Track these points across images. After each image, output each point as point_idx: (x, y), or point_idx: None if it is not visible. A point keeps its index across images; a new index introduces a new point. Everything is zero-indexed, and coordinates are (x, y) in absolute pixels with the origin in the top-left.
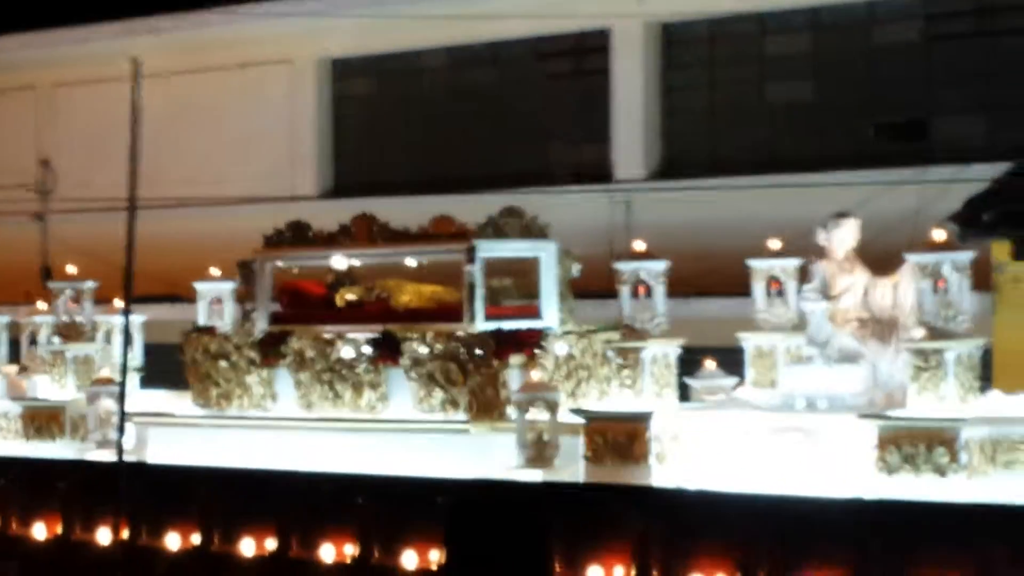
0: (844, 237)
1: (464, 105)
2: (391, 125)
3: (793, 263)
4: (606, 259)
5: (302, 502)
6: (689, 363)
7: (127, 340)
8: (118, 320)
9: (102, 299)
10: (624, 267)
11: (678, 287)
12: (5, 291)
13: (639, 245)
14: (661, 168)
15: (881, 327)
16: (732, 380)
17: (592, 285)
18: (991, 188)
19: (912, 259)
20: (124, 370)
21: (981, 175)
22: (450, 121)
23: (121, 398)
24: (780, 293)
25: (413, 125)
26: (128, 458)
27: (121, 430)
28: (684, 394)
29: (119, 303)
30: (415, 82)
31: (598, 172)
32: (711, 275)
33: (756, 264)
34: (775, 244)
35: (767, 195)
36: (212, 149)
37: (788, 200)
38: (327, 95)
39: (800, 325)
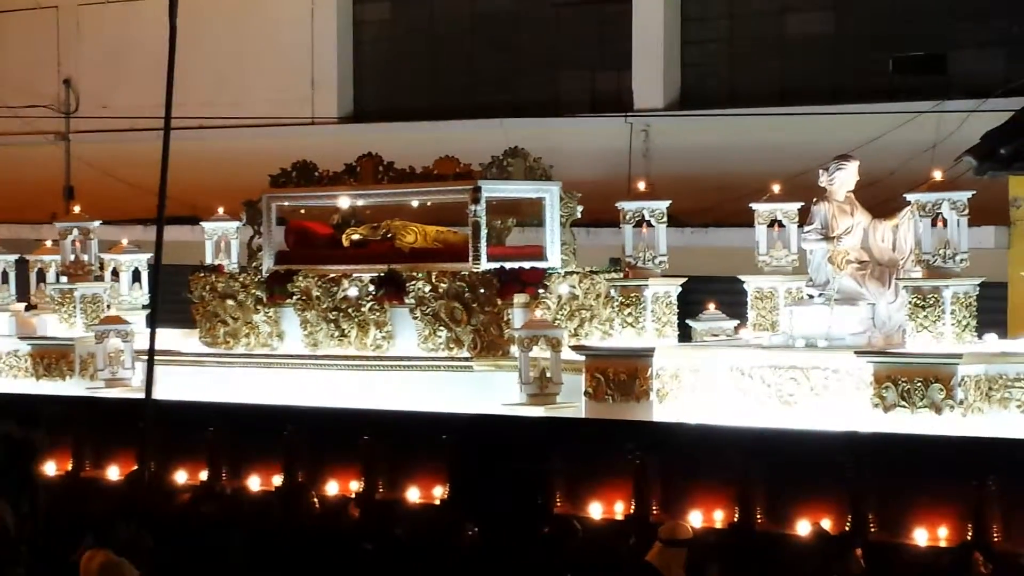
0: (844, 179)
1: (481, 32)
2: (408, 51)
3: (794, 207)
4: (624, 189)
5: (308, 439)
6: (708, 293)
7: (158, 264)
8: (125, 259)
9: (122, 220)
10: (626, 206)
11: (697, 217)
12: (31, 211)
13: (641, 185)
14: (679, 98)
15: (881, 269)
16: (733, 322)
17: (609, 214)
18: (1009, 122)
19: (911, 198)
20: (155, 300)
21: (999, 109)
22: (467, 48)
23: (152, 334)
24: (781, 236)
25: (430, 52)
26: (138, 396)
27: (151, 365)
28: (687, 333)
29: (126, 242)
30: (430, 8)
31: (615, 101)
32: (730, 204)
33: (758, 207)
34: (776, 187)
35: (786, 126)
36: (231, 71)
37: (807, 131)
38: (347, 18)
39: (801, 268)
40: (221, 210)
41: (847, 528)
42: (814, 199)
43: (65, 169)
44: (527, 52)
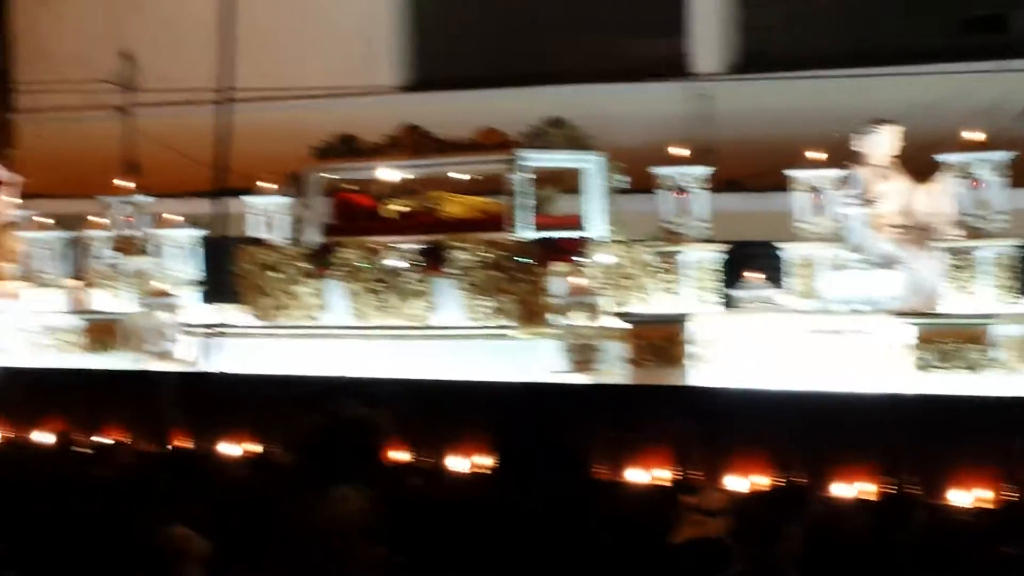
0: (883, 143)
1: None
2: (467, 19)
3: (833, 173)
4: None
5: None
6: (766, 257)
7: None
8: (176, 234)
9: (185, 192)
10: (662, 171)
11: (760, 180)
12: (91, 186)
13: (677, 149)
14: (740, 61)
15: (919, 232)
16: (775, 290)
17: None
18: None
19: (947, 159)
20: (210, 273)
21: None
22: (526, 15)
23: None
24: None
25: (489, 19)
26: (186, 369)
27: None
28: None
29: (175, 217)
30: None
31: (675, 66)
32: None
33: (796, 174)
34: (814, 154)
35: (851, 88)
36: (290, 42)
37: (870, 93)
38: None
39: (840, 235)
40: (267, 184)
41: (889, 490)
42: (852, 164)
43: (126, 143)
44: (585, 18)
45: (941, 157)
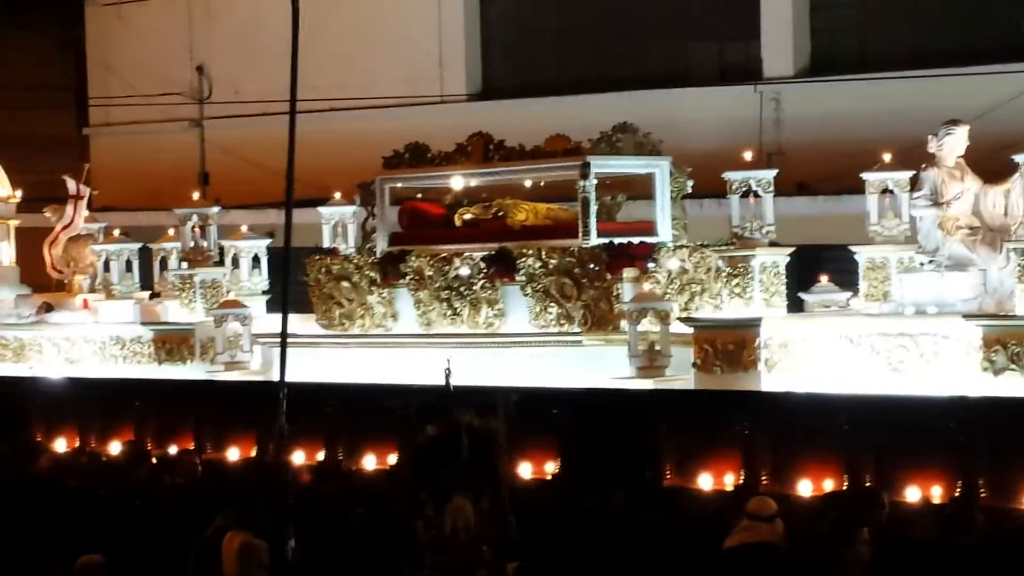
0: (953, 144)
1: (607, 5)
2: (535, 26)
3: (905, 175)
4: (754, 159)
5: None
6: (837, 261)
7: (288, 250)
8: (244, 244)
9: (255, 204)
10: (732, 176)
11: (829, 183)
12: (167, 198)
13: (747, 155)
14: (810, 65)
15: (992, 234)
16: (845, 294)
17: None
18: None
19: (1019, 159)
20: (285, 286)
21: None
22: (593, 21)
23: (284, 315)
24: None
25: (557, 26)
26: (257, 378)
27: (283, 348)
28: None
29: (245, 228)
30: None
31: (744, 70)
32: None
33: (869, 177)
34: (887, 156)
35: (919, 89)
36: (360, 53)
37: (940, 94)
38: None
39: (912, 238)
40: (338, 195)
41: (958, 493)
42: (923, 165)
43: (200, 155)
44: (654, 24)
45: (1016, 157)
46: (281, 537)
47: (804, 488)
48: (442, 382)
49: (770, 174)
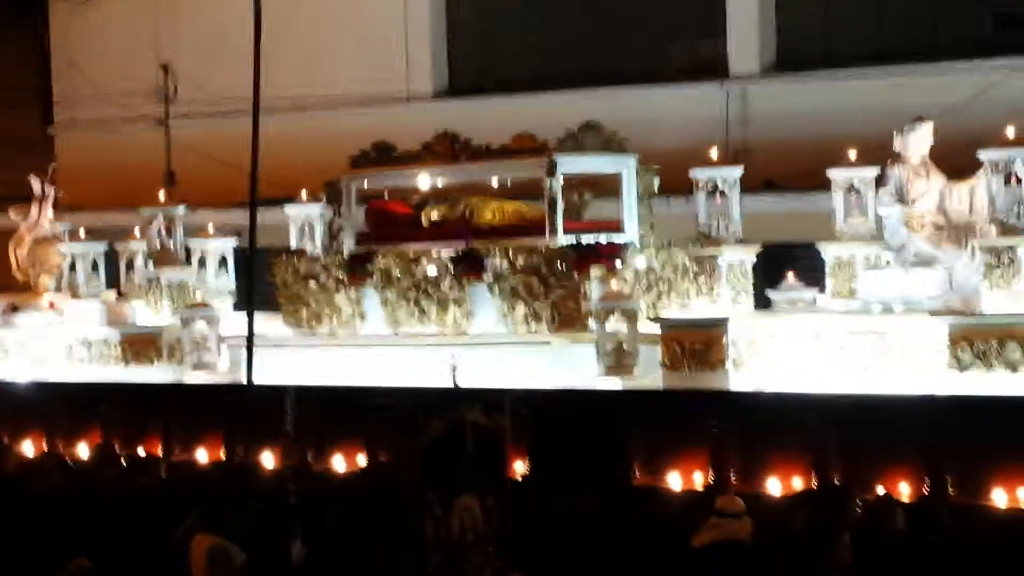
0: (919, 142)
1: (573, 1)
2: (501, 23)
3: (871, 172)
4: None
5: (390, 417)
6: (803, 258)
7: (253, 250)
8: (211, 245)
9: (223, 203)
10: (698, 174)
11: (796, 180)
12: (132, 197)
13: (713, 153)
14: (775, 62)
15: (957, 231)
16: (812, 291)
17: None
18: None
19: (983, 156)
20: (251, 286)
21: None
22: (561, 18)
23: (250, 317)
24: (859, 203)
25: (523, 23)
26: (224, 380)
27: (250, 349)
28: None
29: (211, 228)
30: None
31: (711, 67)
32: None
33: (834, 174)
34: (853, 154)
35: (884, 86)
36: (325, 51)
37: (906, 91)
38: None
39: (879, 235)
40: (305, 194)
41: (926, 491)
42: (888, 162)
43: (165, 154)
44: (621, 21)
45: (980, 154)
46: (286, 541)
47: (773, 487)
48: (438, 380)
49: (736, 172)
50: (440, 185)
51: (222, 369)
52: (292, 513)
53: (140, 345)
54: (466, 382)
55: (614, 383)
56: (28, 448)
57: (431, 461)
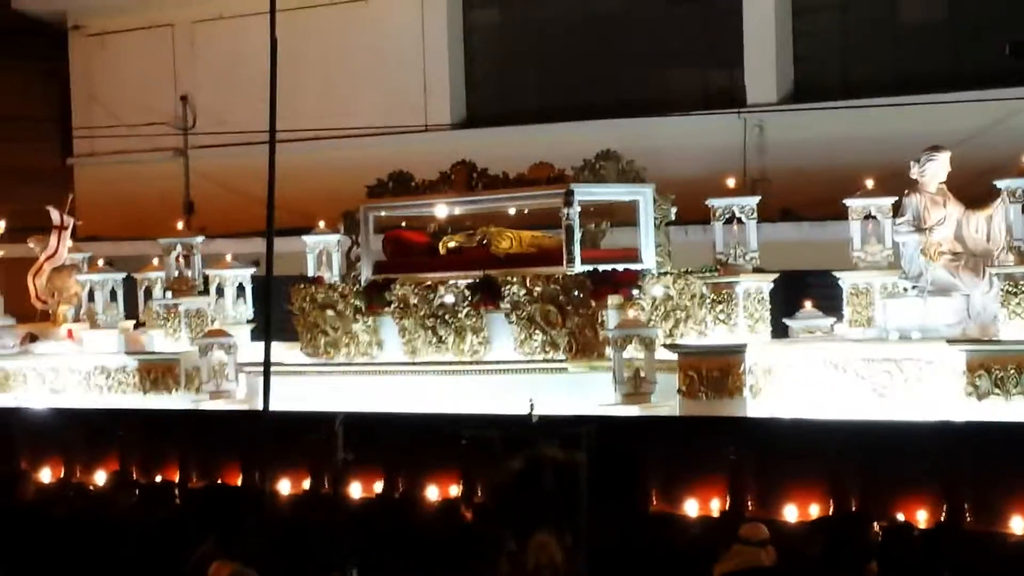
0: (935, 170)
1: (591, 33)
2: (519, 54)
3: (888, 201)
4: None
5: (408, 445)
6: (821, 287)
7: (270, 278)
8: (229, 273)
9: (241, 233)
10: (716, 203)
11: (813, 209)
12: (152, 228)
13: (730, 182)
14: (793, 91)
15: (975, 259)
16: (829, 320)
17: None
18: None
19: (1001, 185)
20: (268, 315)
21: None
22: (577, 49)
23: (267, 344)
24: (875, 231)
25: (541, 54)
26: (241, 407)
27: (267, 378)
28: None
29: (229, 257)
30: (540, 10)
31: (728, 97)
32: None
33: (852, 203)
34: (870, 183)
35: (902, 115)
36: (343, 83)
37: (924, 120)
38: (457, 24)
39: (896, 263)
40: (322, 223)
41: (942, 518)
42: (906, 191)
43: (184, 185)
44: (638, 51)
45: (997, 183)
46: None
47: (790, 514)
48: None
49: (753, 200)
50: (457, 214)
51: (239, 397)
52: (346, 542)
53: (158, 373)
54: (482, 410)
55: (632, 410)
56: (46, 475)
57: (508, 497)
